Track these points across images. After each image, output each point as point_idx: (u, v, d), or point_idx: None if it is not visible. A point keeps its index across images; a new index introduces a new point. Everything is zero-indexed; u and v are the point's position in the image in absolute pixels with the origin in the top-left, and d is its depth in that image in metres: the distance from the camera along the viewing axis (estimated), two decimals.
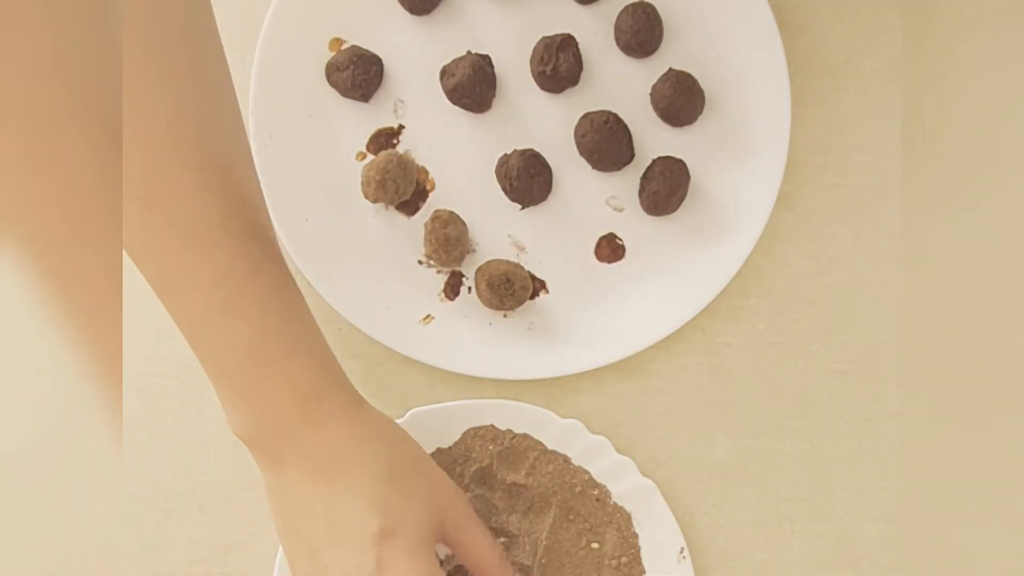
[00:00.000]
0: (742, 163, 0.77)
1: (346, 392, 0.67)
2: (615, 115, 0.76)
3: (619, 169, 0.78)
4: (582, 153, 0.78)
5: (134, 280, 0.76)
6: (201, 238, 0.62)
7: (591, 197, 0.79)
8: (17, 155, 0.54)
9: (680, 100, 0.77)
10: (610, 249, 0.79)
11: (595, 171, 0.79)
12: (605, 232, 0.79)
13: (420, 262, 0.79)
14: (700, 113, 0.78)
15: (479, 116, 0.79)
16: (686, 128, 0.79)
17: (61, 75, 0.54)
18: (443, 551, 0.74)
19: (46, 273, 0.56)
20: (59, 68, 0.54)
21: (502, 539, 0.76)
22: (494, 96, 0.79)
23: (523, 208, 0.79)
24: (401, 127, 0.79)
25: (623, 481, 0.76)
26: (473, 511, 0.71)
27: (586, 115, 0.77)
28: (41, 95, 0.54)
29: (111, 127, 0.56)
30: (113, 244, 0.57)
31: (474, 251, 0.79)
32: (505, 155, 0.77)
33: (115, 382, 0.58)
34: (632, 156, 0.78)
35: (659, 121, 0.79)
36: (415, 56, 0.79)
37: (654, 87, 0.78)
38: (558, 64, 0.77)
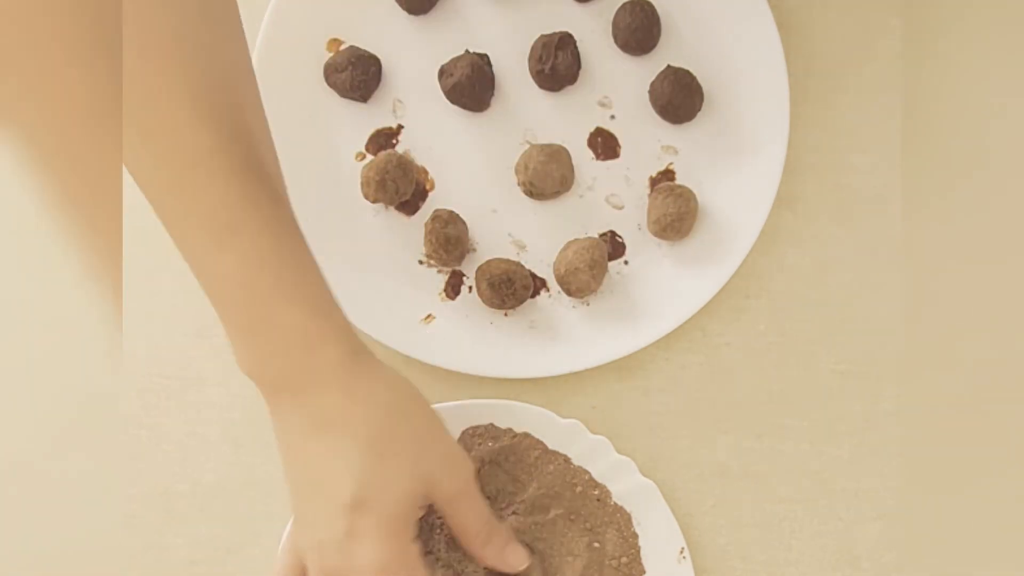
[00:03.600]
0: (741, 162, 0.77)
1: (344, 343, 0.64)
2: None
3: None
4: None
5: (135, 279, 0.77)
6: (196, 169, 0.60)
7: (593, 194, 0.79)
8: (21, 53, 0.54)
9: (679, 97, 0.77)
10: (611, 246, 0.79)
11: (596, 167, 0.79)
12: (605, 230, 0.79)
13: (420, 262, 0.79)
14: (699, 110, 0.78)
15: (478, 115, 0.79)
16: (685, 126, 0.79)
17: None
18: None
19: (47, 165, 0.56)
20: None
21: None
22: (493, 95, 0.79)
23: (540, 200, 0.79)
24: (400, 127, 0.79)
25: (623, 481, 0.76)
26: (473, 485, 0.69)
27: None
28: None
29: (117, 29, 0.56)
30: (114, 139, 0.57)
31: (474, 250, 0.79)
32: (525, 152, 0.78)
33: (115, 280, 0.58)
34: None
35: (658, 119, 0.78)
36: (413, 56, 0.79)
37: (652, 84, 0.78)
38: (556, 63, 0.77)
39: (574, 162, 0.78)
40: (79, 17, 0.55)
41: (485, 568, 0.72)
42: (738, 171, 0.78)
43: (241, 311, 0.62)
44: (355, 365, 0.64)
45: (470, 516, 0.69)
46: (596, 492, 0.76)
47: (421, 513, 0.66)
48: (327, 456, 0.63)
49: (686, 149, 0.79)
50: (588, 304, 0.78)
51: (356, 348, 0.65)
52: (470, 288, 0.78)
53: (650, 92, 0.78)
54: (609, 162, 0.79)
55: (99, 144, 0.57)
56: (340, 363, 0.64)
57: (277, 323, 0.62)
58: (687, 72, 0.77)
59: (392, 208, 0.79)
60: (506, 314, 0.78)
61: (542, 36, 0.77)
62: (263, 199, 0.62)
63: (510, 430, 0.76)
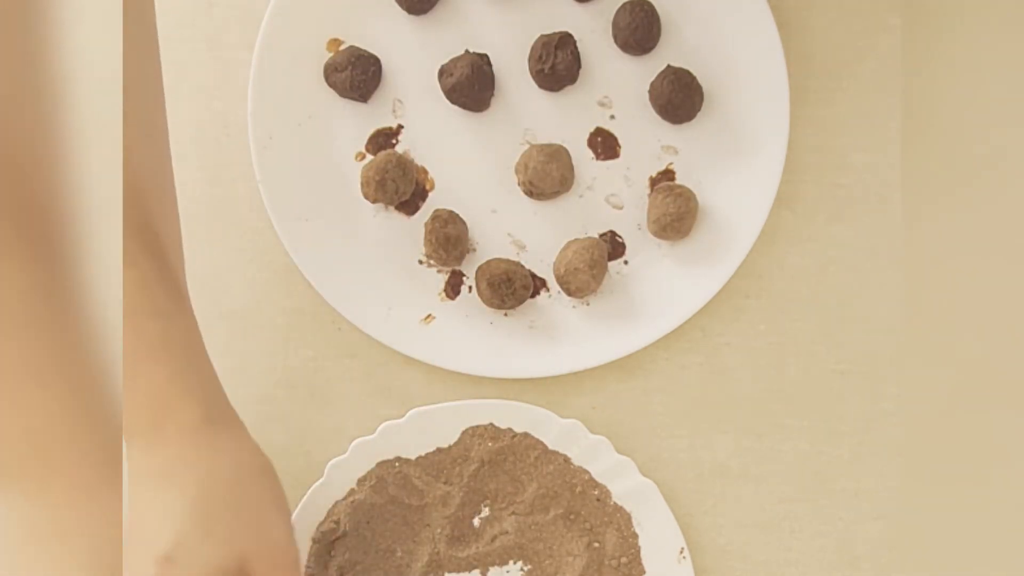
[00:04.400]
0: (741, 162, 0.77)
1: (202, 408, 0.65)
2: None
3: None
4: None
5: None
6: None
7: (593, 194, 0.79)
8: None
9: (679, 97, 0.77)
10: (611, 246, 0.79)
11: (596, 167, 0.79)
12: (605, 230, 0.79)
13: (420, 262, 0.79)
14: (699, 110, 0.78)
15: (478, 115, 0.79)
16: (685, 126, 0.79)
17: None
18: None
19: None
20: None
21: (501, 535, 0.76)
22: (493, 95, 0.79)
23: (539, 200, 0.79)
24: (400, 127, 0.79)
25: (623, 481, 0.76)
26: (292, 567, 0.68)
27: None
28: None
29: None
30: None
31: (474, 250, 0.79)
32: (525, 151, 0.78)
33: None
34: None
35: (658, 119, 0.78)
36: (413, 56, 0.79)
37: (652, 84, 0.78)
38: (556, 62, 0.77)
39: (574, 162, 0.78)
40: None
41: None
42: (738, 171, 0.77)
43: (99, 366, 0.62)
44: (206, 431, 0.65)
45: None
46: (596, 492, 0.76)
47: None
48: (154, 505, 0.63)
49: (686, 149, 0.79)
50: (588, 304, 0.78)
51: (211, 415, 0.65)
52: (470, 288, 0.78)
53: (650, 92, 0.78)
54: (609, 162, 0.79)
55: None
56: (188, 428, 0.64)
57: (131, 383, 0.63)
58: (687, 72, 0.77)
59: (392, 208, 0.79)
60: (506, 314, 0.78)
61: (542, 36, 0.77)
62: (141, 259, 0.63)
63: (510, 430, 0.76)
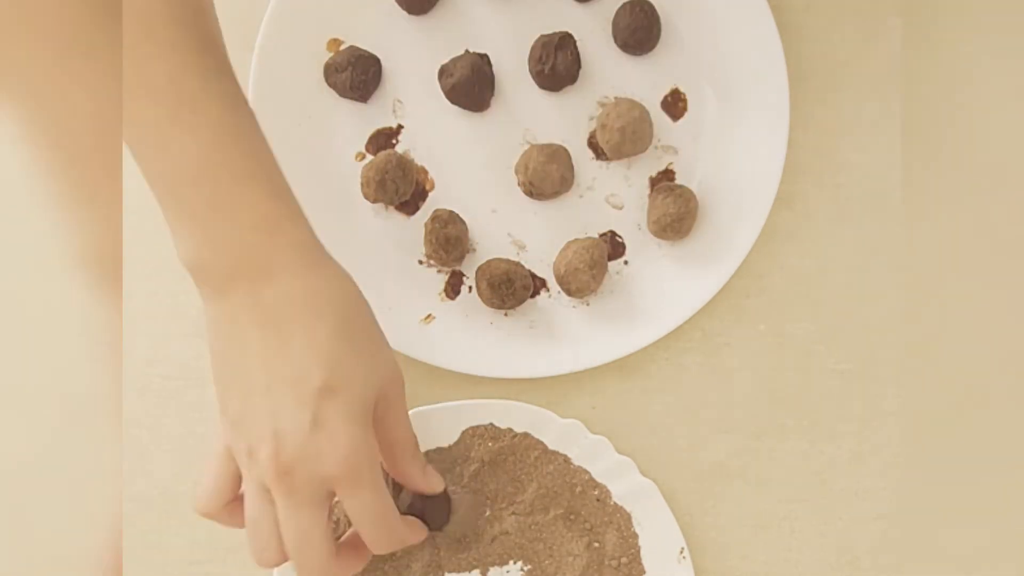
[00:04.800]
0: (741, 162, 0.77)
1: (303, 230, 0.63)
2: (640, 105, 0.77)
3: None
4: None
5: (135, 279, 0.77)
6: (153, 37, 0.58)
7: (593, 194, 0.79)
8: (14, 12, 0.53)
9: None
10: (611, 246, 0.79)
11: (596, 167, 0.79)
12: (605, 230, 0.79)
13: (420, 262, 0.79)
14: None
15: (478, 115, 0.79)
16: (685, 125, 0.79)
17: None
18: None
19: (43, 129, 0.55)
20: None
21: (501, 535, 0.76)
22: (493, 95, 0.79)
23: (539, 200, 0.79)
24: (400, 127, 0.79)
25: (623, 481, 0.76)
26: (404, 395, 0.67)
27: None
28: None
29: None
30: (113, 95, 0.56)
31: (474, 250, 0.79)
32: (525, 151, 0.78)
33: (115, 253, 0.57)
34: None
35: (658, 118, 0.78)
36: (413, 56, 0.79)
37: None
38: (556, 63, 0.77)
39: (574, 162, 0.78)
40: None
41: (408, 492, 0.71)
42: (738, 171, 0.77)
43: (195, 193, 0.60)
44: (313, 251, 0.63)
45: (402, 424, 0.67)
46: (596, 492, 0.76)
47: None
48: (289, 343, 0.61)
49: (686, 149, 0.79)
50: (588, 304, 0.78)
51: (312, 236, 0.63)
52: (470, 288, 0.78)
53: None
54: (609, 162, 0.79)
55: (99, 122, 0.56)
56: (300, 247, 0.62)
57: (236, 204, 0.60)
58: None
59: (392, 208, 0.79)
60: (506, 314, 0.78)
61: (542, 36, 0.77)
62: (219, 74, 0.61)
63: (510, 430, 0.76)
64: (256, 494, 0.62)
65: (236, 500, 0.65)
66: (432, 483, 0.70)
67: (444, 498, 0.73)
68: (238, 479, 0.64)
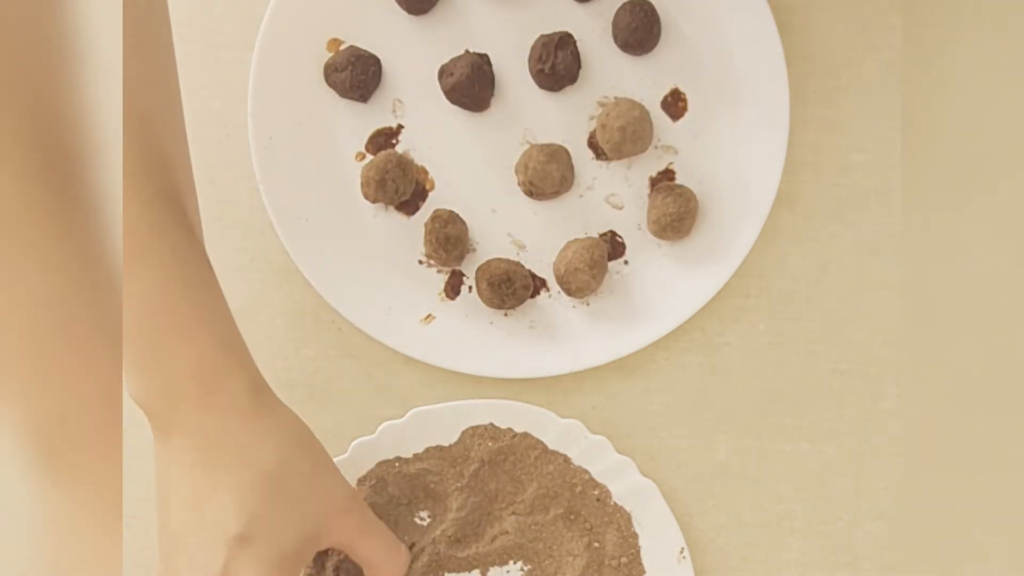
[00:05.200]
0: (741, 162, 0.77)
1: (248, 377, 0.64)
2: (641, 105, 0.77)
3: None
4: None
5: None
6: None
7: (593, 194, 0.79)
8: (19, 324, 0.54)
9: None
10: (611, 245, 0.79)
11: (596, 167, 0.79)
12: (605, 230, 0.79)
13: (420, 262, 0.79)
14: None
15: (478, 115, 0.79)
16: (684, 124, 0.79)
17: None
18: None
19: (42, 435, 0.55)
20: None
21: (501, 535, 0.76)
22: (493, 95, 0.79)
23: (539, 200, 0.79)
24: (400, 127, 0.79)
25: (623, 481, 0.76)
26: (368, 520, 0.69)
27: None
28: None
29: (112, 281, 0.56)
30: (114, 410, 0.57)
31: (474, 250, 0.79)
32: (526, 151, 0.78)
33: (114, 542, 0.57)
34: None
35: (658, 117, 0.78)
36: (413, 56, 0.79)
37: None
38: (556, 62, 0.77)
39: (574, 162, 0.78)
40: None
41: None
42: (738, 170, 0.77)
43: (141, 341, 0.61)
44: (254, 401, 0.64)
45: (375, 552, 0.69)
46: (596, 492, 0.76)
47: (312, 556, 0.66)
48: (216, 489, 0.62)
49: (686, 148, 0.79)
50: (588, 304, 0.78)
51: (257, 384, 0.64)
52: (470, 288, 0.78)
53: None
54: (609, 162, 0.79)
55: (99, 436, 0.56)
56: (239, 399, 0.63)
57: (177, 357, 0.62)
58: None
59: (392, 208, 0.79)
60: (506, 314, 0.78)
61: (542, 36, 0.77)
62: (173, 229, 0.62)
63: (510, 430, 0.76)
64: None
65: None
66: None
67: None
68: None
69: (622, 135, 0.75)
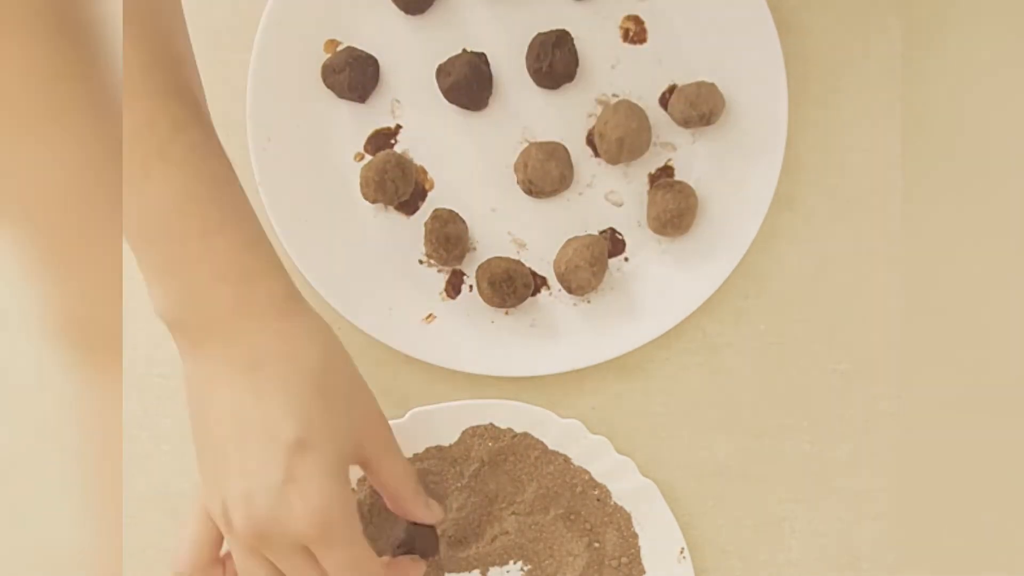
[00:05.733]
0: (740, 161, 0.77)
1: (281, 281, 0.61)
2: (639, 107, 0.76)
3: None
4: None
5: (134, 281, 0.77)
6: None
7: (592, 191, 0.79)
8: (18, 142, 0.53)
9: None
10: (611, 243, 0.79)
11: (595, 165, 0.79)
12: (605, 227, 0.79)
13: (420, 261, 0.79)
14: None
15: (476, 114, 0.79)
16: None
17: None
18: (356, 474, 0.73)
19: (44, 257, 0.54)
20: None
21: (501, 535, 0.76)
22: (491, 94, 0.79)
23: (539, 198, 0.79)
24: (399, 127, 0.79)
25: (623, 481, 0.76)
26: (394, 439, 0.66)
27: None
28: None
29: (112, 103, 0.54)
30: (114, 235, 0.55)
31: (474, 249, 0.79)
32: (525, 149, 0.78)
33: (115, 379, 0.56)
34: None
35: (656, 115, 0.78)
36: (411, 56, 0.79)
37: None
38: (554, 60, 0.77)
39: (573, 160, 0.78)
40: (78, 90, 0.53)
41: (407, 523, 0.72)
42: (737, 170, 0.77)
43: (169, 245, 0.59)
44: (289, 301, 0.61)
45: (397, 470, 0.66)
46: (596, 492, 0.76)
47: (355, 463, 0.63)
48: (262, 396, 0.59)
49: (685, 145, 0.78)
50: (589, 302, 0.78)
51: (289, 285, 0.62)
52: (471, 287, 0.78)
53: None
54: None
55: (98, 239, 0.55)
56: (274, 298, 0.60)
57: (207, 256, 0.59)
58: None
59: (392, 208, 0.79)
60: (507, 313, 0.78)
61: (539, 34, 0.77)
62: (192, 124, 0.60)
63: (510, 430, 0.76)
64: (243, 553, 0.61)
65: (215, 562, 0.64)
66: (435, 514, 0.70)
67: (431, 527, 0.73)
68: (217, 543, 0.63)
69: (620, 147, 0.75)
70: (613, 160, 0.76)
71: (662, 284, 0.78)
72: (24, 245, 0.53)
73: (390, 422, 0.76)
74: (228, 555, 0.64)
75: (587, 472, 0.76)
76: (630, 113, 0.75)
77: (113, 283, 0.55)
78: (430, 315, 0.78)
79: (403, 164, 0.76)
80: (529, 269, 0.78)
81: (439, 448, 0.77)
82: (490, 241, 0.79)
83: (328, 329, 0.63)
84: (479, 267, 0.77)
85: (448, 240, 0.76)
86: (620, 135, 0.75)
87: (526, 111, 0.79)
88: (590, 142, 0.79)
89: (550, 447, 0.76)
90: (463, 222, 0.77)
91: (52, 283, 0.54)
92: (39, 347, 0.54)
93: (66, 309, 0.55)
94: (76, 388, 0.55)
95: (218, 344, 0.60)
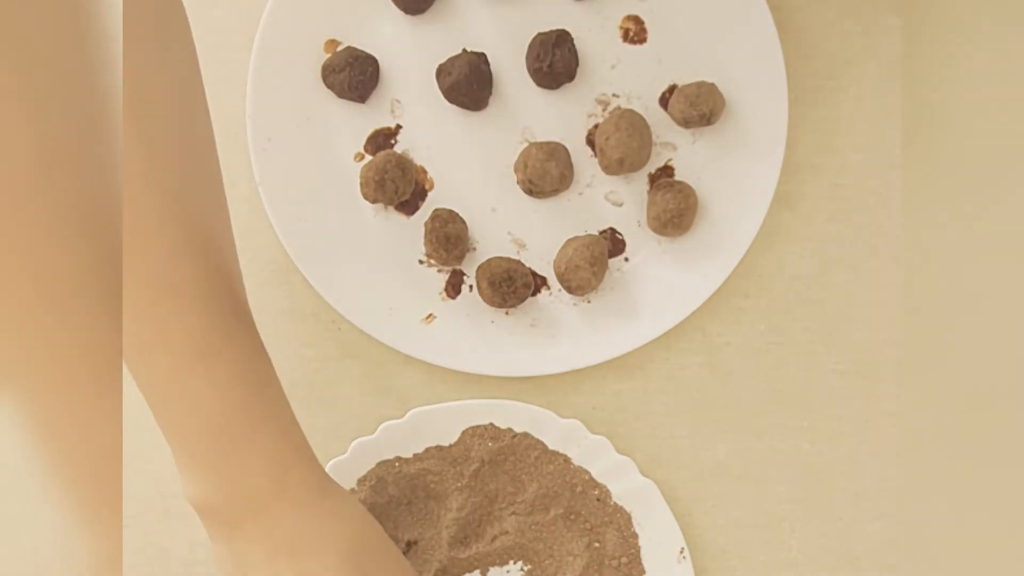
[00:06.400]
0: (740, 161, 0.77)
1: (316, 470, 0.64)
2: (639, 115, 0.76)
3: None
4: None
5: None
6: (175, 296, 0.59)
7: (592, 191, 0.79)
8: (19, 305, 0.53)
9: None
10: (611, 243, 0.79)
11: (595, 165, 0.79)
12: (605, 227, 0.79)
13: (420, 261, 0.79)
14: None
15: (476, 114, 0.79)
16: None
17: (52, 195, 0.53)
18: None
19: (44, 427, 0.54)
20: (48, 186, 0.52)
21: (501, 535, 0.76)
22: (491, 94, 0.79)
23: (539, 198, 0.79)
24: (398, 127, 0.79)
25: (623, 481, 0.76)
26: None
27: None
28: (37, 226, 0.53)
29: (112, 267, 0.55)
30: (114, 399, 0.55)
31: (474, 249, 0.79)
32: (525, 149, 0.77)
33: (114, 541, 0.57)
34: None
35: (656, 115, 0.78)
36: (411, 56, 0.79)
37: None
38: (554, 60, 0.77)
39: (573, 159, 0.78)
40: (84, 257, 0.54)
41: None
42: (737, 170, 0.77)
43: (209, 440, 0.61)
44: (321, 481, 0.64)
45: None
46: (596, 492, 0.76)
47: None
48: (304, 572, 0.62)
49: (685, 146, 0.78)
50: (589, 302, 0.78)
51: (320, 467, 0.65)
52: (471, 287, 0.78)
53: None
54: None
55: (100, 408, 0.55)
56: (311, 486, 0.63)
57: (249, 450, 0.61)
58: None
59: (391, 208, 0.79)
60: (507, 313, 0.78)
61: (539, 34, 0.77)
62: (237, 326, 0.62)
63: (510, 430, 0.76)
64: None
65: None
66: None
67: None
68: None
69: (620, 165, 0.76)
70: (613, 173, 0.77)
71: (662, 284, 0.78)
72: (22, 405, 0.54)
73: (389, 423, 0.76)
74: None
75: (587, 472, 0.76)
76: (632, 131, 0.75)
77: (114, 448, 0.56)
78: (430, 315, 0.78)
79: (403, 164, 0.76)
80: (529, 269, 0.78)
81: (439, 448, 0.77)
82: (490, 241, 0.79)
83: (358, 506, 0.66)
84: (479, 267, 0.77)
85: (448, 240, 0.76)
86: (620, 156, 0.75)
87: (526, 111, 0.79)
88: (590, 142, 0.79)
89: (550, 447, 0.76)
90: (463, 222, 0.77)
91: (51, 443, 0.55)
92: None
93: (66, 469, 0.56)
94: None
95: (254, 527, 0.62)
